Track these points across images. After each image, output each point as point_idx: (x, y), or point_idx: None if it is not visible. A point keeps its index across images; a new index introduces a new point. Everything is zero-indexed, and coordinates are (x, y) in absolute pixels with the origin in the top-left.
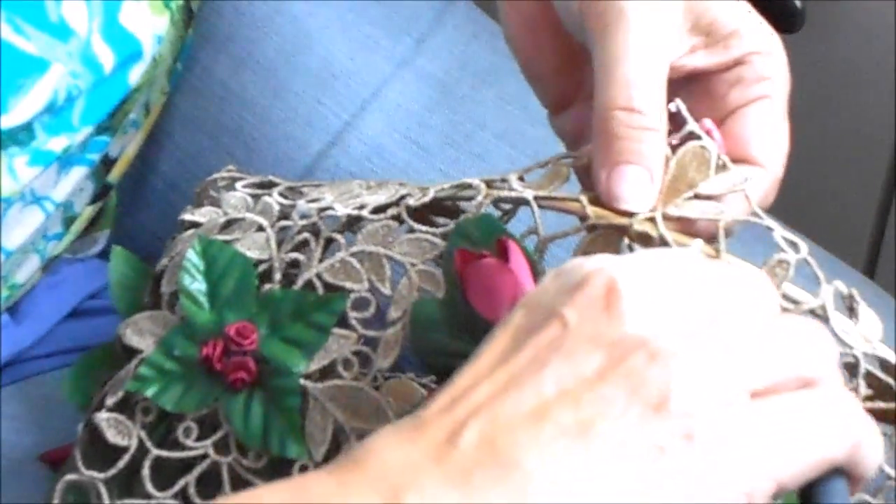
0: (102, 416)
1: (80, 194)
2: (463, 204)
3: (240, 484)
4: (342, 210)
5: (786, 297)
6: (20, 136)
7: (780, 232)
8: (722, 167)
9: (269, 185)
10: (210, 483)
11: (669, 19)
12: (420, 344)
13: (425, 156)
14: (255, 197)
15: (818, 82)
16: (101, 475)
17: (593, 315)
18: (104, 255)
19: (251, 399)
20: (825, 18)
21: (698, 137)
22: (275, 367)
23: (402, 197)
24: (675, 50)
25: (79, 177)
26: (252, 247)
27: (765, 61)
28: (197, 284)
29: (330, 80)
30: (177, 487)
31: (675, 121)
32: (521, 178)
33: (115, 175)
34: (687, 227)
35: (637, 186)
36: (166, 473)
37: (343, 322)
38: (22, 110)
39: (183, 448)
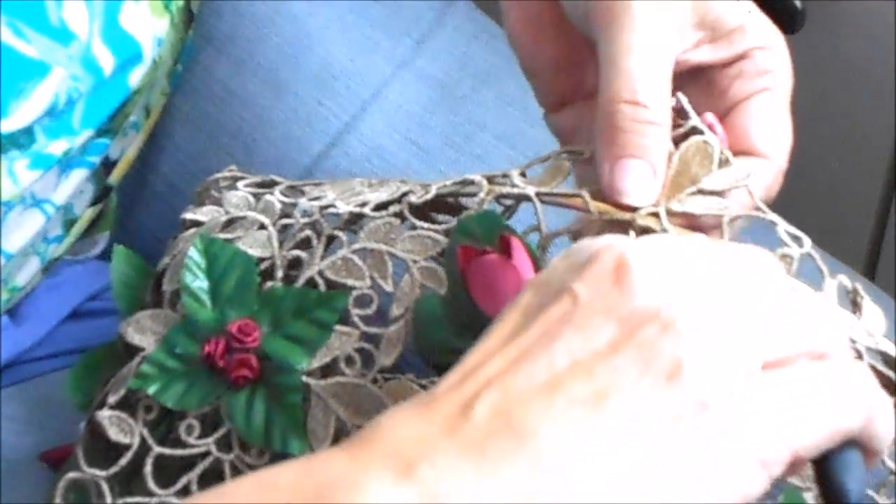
0: (104, 414)
1: (81, 196)
2: (465, 200)
3: None
4: (344, 208)
5: None
6: (21, 139)
7: (783, 226)
8: (725, 162)
9: (270, 185)
10: (212, 481)
11: (675, 14)
12: (422, 341)
13: (425, 157)
14: (257, 196)
15: (818, 82)
16: (103, 473)
17: (604, 289)
18: (104, 256)
19: (253, 396)
20: (825, 18)
21: (701, 132)
22: (277, 365)
23: (404, 194)
24: (680, 45)
25: (79, 179)
26: (254, 245)
27: (767, 55)
28: (199, 282)
29: (330, 80)
30: (179, 485)
31: (678, 116)
32: (522, 174)
33: (115, 177)
34: (690, 222)
35: (640, 180)
36: (168, 471)
37: (345, 319)
38: (23, 114)
39: (185, 446)
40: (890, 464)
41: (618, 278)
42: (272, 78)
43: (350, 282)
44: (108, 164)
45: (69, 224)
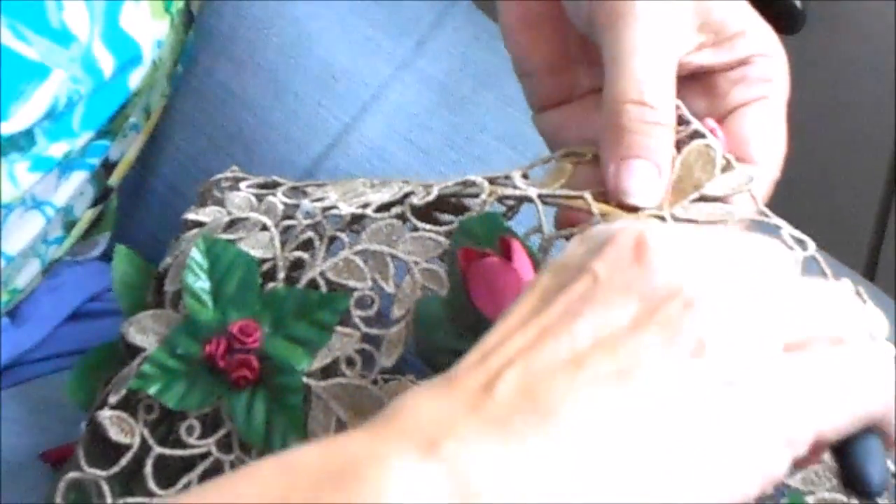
0: (105, 414)
1: (81, 198)
2: (467, 200)
3: None
4: (346, 209)
5: None
6: (21, 142)
7: (787, 230)
8: (727, 166)
9: (272, 186)
10: None
11: (679, 16)
12: (423, 343)
13: (425, 158)
14: (259, 197)
15: (818, 82)
16: (104, 473)
17: (624, 267)
18: (104, 257)
19: (254, 397)
20: (825, 18)
21: (702, 136)
22: (278, 365)
23: (406, 195)
24: (683, 46)
25: (79, 181)
26: (256, 246)
27: (768, 63)
28: (201, 283)
29: (330, 82)
30: (179, 486)
31: (678, 120)
32: (524, 176)
33: (115, 178)
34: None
35: (645, 181)
36: (169, 472)
37: (346, 320)
38: (23, 116)
39: (185, 446)
40: (890, 465)
41: (637, 257)
42: (272, 79)
43: (351, 283)
44: (108, 166)
45: (69, 226)
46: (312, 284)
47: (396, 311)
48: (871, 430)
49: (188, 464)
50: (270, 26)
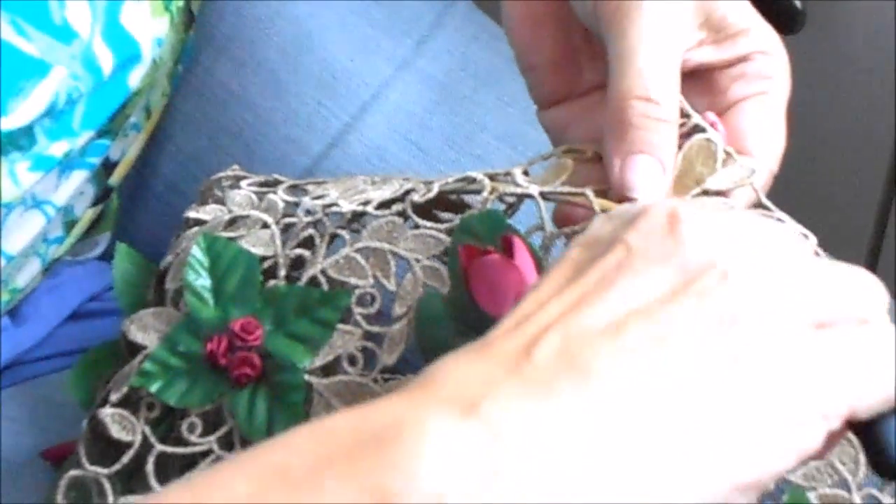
0: (107, 412)
1: (81, 198)
2: (468, 197)
3: None
4: (347, 206)
5: None
6: (21, 141)
7: (790, 224)
8: (728, 159)
9: (273, 184)
10: None
11: (683, 13)
12: (425, 340)
13: (426, 157)
14: (260, 195)
15: (818, 82)
16: (105, 471)
17: (658, 239)
18: (104, 257)
19: (255, 395)
20: (825, 18)
21: (703, 130)
22: (279, 363)
23: (407, 192)
24: (686, 43)
25: (80, 180)
26: (257, 243)
27: (768, 60)
28: (202, 280)
29: (330, 81)
30: None
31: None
32: (525, 173)
33: (116, 178)
34: None
35: (649, 176)
36: (170, 469)
37: (347, 318)
38: (22, 113)
39: (187, 444)
40: None
41: (671, 229)
42: (273, 79)
43: (353, 280)
44: (108, 165)
45: (70, 225)
46: (313, 282)
47: (398, 309)
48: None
49: (190, 462)
50: (271, 26)
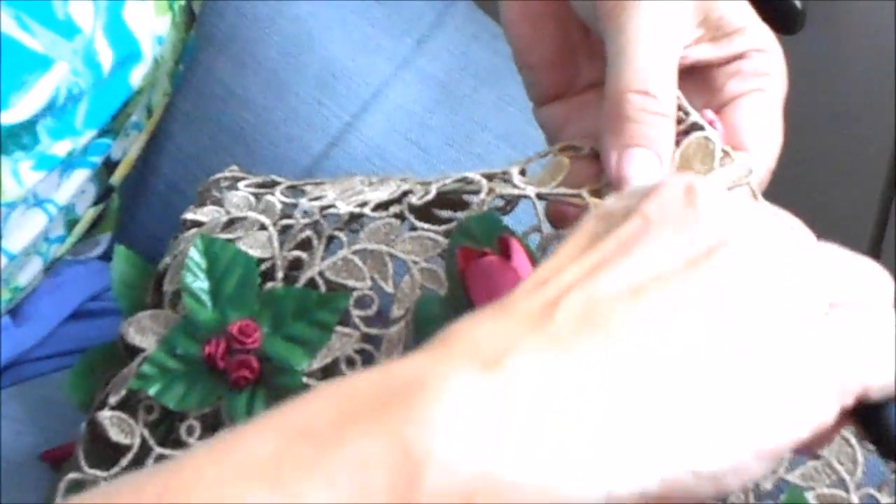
0: (105, 415)
1: (83, 197)
2: (466, 196)
3: None
4: (344, 208)
5: None
6: (25, 140)
7: None
8: (725, 158)
9: (271, 185)
10: None
11: (682, 10)
12: (423, 342)
13: (426, 157)
14: (258, 196)
15: (818, 82)
16: (104, 474)
17: (675, 209)
18: (105, 257)
19: (254, 397)
20: (825, 18)
21: (701, 128)
22: (277, 366)
23: (405, 194)
24: (684, 39)
25: (81, 179)
26: (254, 245)
27: (764, 58)
28: (199, 283)
29: (331, 80)
30: None
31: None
32: (522, 172)
33: (117, 177)
34: None
35: (646, 170)
36: None
37: (346, 320)
38: (23, 107)
39: (186, 446)
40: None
41: (689, 201)
42: (273, 78)
43: (350, 283)
44: (109, 165)
45: (71, 224)
46: (311, 284)
47: (396, 311)
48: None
49: None
50: (271, 25)
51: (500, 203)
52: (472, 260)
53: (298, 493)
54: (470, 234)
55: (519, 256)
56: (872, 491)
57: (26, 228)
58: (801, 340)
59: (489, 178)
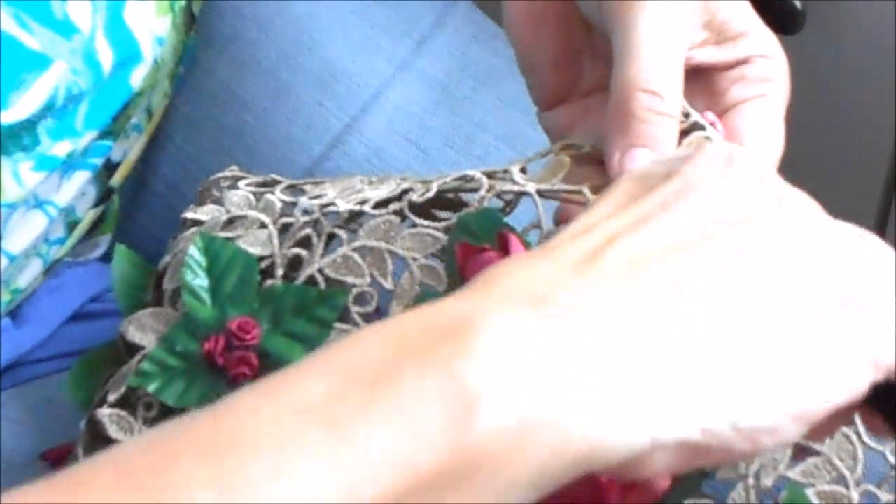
0: (104, 412)
1: (83, 198)
2: (465, 197)
3: None
4: (344, 206)
5: None
6: (25, 141)
7: None
8: None
9: (271, 184)
10: None
11: (688, 10)
12: None
13: (426, 158)
14: (258, 195)
15: (818, 82)
16: None
17: (717, 172)
18: (105, 258)
19: None
20: (825, 18)
21: (702, 128)
22: (277, 362)
23: (405, 191)
24: (690, 41)
25: (81, 181)
26: (254, 243)
27: (768, 64)
28: (199, 280)
29: (331, 81)
30: None
31: None
32: (522, 170)
33: (117, 179)
34: None
35: None
36: None
37: (345, 317)
38: (22, 106)
39: None
40: (891, 459)
41: (730, 164)
42: (273, 79)
43: (350, 279)
44: (110, 167)
45: (71, 226)
46: (311, 281)
47: (395, 308)
48: None
49: None
50: (271, 26)
51: (500, 205)
52: (471, 256)
53: (354, 434)
54: (469, 231)
55: (517, 252)
56: (872, 488)
57: (27, 230)
58: (842, 312)
59: (489, 175)
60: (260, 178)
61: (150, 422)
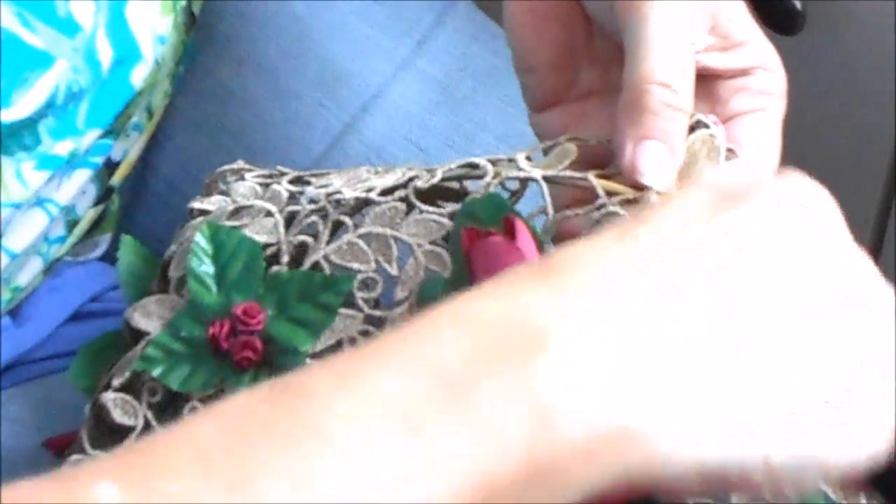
0: (109, 397)
1: (83, 197)
2: (470, 186)
3: None
4: (350, 194)
5: None
6: (26, 140)
7: None
8: (730, 155)
9: (278, 176)
10: None
11: (697, 12)
12: None
13: (426, 157)
14: (265, 186)
15: (818, 82)
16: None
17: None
18: (105, 258)
19: (257, 379)
20: (825, 18)
21: (706, 126)
22: (281, 347)
23: (410, 179)
24: (699, 42)
25: (82, 180)
26: (260, 231)
27: (768, 77)
28: (205, 267)
29: (331, 81)
30: None
31: None
32: (528, 158)
33: (117, 178)
34: None
35: (660, 162)
36: None
37: (350, 302)
38: (24, 105)
39: None
40: None
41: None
42: (273, 79)
43: (355, 265)
44: (110, 166)
45: (72, 225)
46: (316, 267)
47: (400, 293)
48: None
49: None
50: (271, 26)
51: (506, 195)
52: (477, 241)
53: (433, 438)
54: (475, 216)
55: (523, 237)
56: None
57: (28, 228)
58: (842, 312)
59: (495, 163)
60: (266, 171)
61: (155, 407)
